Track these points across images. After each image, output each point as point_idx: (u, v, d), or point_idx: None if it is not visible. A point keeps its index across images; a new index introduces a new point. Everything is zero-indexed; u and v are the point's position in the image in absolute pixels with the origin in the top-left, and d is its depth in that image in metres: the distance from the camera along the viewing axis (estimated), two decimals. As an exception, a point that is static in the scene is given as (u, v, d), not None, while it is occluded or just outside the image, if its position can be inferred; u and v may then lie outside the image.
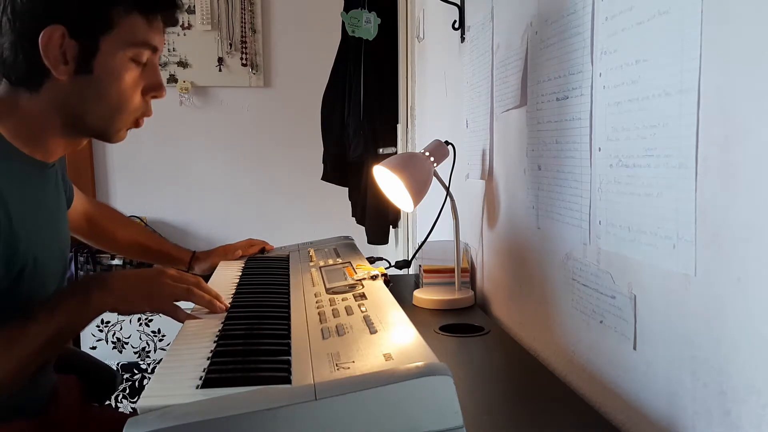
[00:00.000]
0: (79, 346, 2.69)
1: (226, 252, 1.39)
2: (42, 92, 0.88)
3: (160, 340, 2.76)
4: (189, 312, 0.91)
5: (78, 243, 1.46)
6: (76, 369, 1.09)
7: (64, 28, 0.84)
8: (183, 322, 0.88)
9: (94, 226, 1.31)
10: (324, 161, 2.72)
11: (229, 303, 0.97)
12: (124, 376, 2.69)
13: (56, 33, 0.84)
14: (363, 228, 2.58)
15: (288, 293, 1.02)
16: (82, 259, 2.83)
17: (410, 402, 0.58)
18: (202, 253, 1.41)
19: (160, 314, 0.93)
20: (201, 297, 0.92)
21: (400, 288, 1.47)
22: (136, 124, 0.96)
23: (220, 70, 3.13)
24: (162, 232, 3.13)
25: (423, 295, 1.34)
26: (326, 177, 2.72)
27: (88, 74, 0.87)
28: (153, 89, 0.94)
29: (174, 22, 0.97)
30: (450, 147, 1.34)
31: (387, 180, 1.32)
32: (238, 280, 1.14)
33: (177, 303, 0.92)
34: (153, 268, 0.98)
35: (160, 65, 2.98)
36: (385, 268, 1.33)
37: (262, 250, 1.43)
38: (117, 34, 0.88)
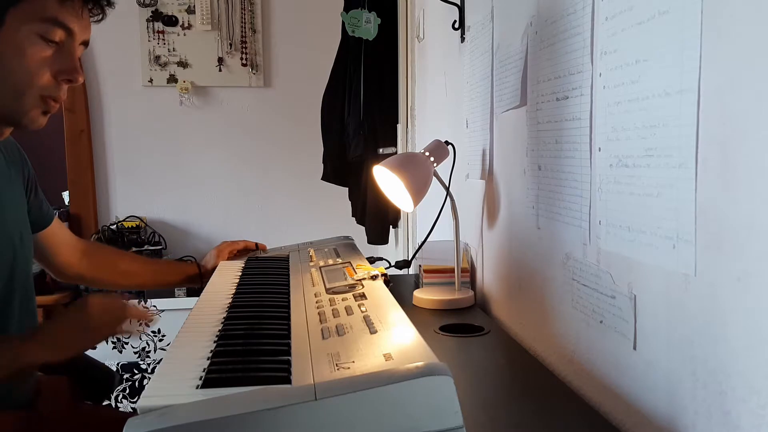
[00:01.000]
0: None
1: (230, 247, 1.39)
2: None
3: (160, 340, 2.75)
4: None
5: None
6: (71, 368, 1.08)
7: None
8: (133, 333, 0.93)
9: (93, 260, 1.28)
10: (324, 161, 2.72)
11: (229, 303, 0.97)
12: (124, 376, 2.69)
13: None
14: (363, 228, 2.58)
15: (288, 293, 1.02)
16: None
17: (410, 402, 0.58)
18: (206, 258, 1.39)
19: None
20: (129, 327, 0.96)
21: (400, 288, 1.47)
22: (46, 106, 0.93)
23: (220, 70, 3.13)
24: (162, 232, 3.13)
25: (423, 295, 1.34)
26: (326, 177, 2.72)
27: None
28: (66, 73, 0.91)
29: (96, 11, 0.95)
30: (450, 147, 1.34)
31: (387, 180, 1.32)
32: (238, 280, 1.14)
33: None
34: (75, 303, 0.97)
35: (161, 65, 3.05)
36: (385, 268, 1.33)
37: (256, 247, 1.43)
38: (24, 8, 0.87)
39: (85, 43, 0.95)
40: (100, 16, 0.97)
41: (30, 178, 1.11)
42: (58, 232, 1.20)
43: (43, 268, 1.24)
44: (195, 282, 1.37)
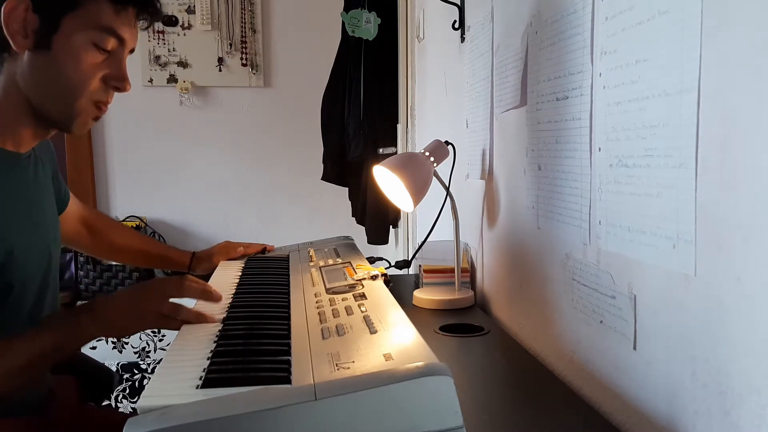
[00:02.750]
0: (79, 346, 2.69)
1: (227, 250, 1.38)
2: (2, 73, 0.89)
3: (160, 340, 2.75)
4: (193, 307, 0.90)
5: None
6: (73, 369, 1.09)
7: (29, 1, 0.86)
8: (178, 329, 0.87)
9: (91, 232, 1.30)
10: (324, 161, 2.72)
11: (229, 303, 0.97)
12: (124, 376, 2.69)
13: (21, 5, 0.85)
14: (363, 228, 2.58)
15: (288, 293, 1.02)
16: (82, 259, 2.83)
17: (410, 402, 0.58)
18: (203, 252, 1.40)
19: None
20: (188, 312, 0.89)
21: (400, 288, 1.47)
22: (98, 111, 0.95)
23: (220, 70, 3.13)
24: (162, 232, 3.13)
25: (423, 295, 1.34)
26: (326, 177, 2.72)
27: (46, 50, 0.88)
28: (115, 80, 0.94)
29: (148, 20, 0.97)
30: (450, 147, 1.34)
31: (387, 180, 1.32)
32: (238, 280, 1.14)
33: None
34: (139, 284, 0.97)
35: (161, 65, 3.05)
36: (385, 268, 1.33)
37: (264, 250, 1.43)
38: (80, 15, 0.88)
39: (132, 51, 0.98)
40: (147, 25, 0.99)
41: (54, 166, 1.13)
42: (69, 207, 1.22)
43: None
44: (183, 269, 1.40)
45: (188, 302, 0.92)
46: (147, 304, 0.90)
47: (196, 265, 1.38)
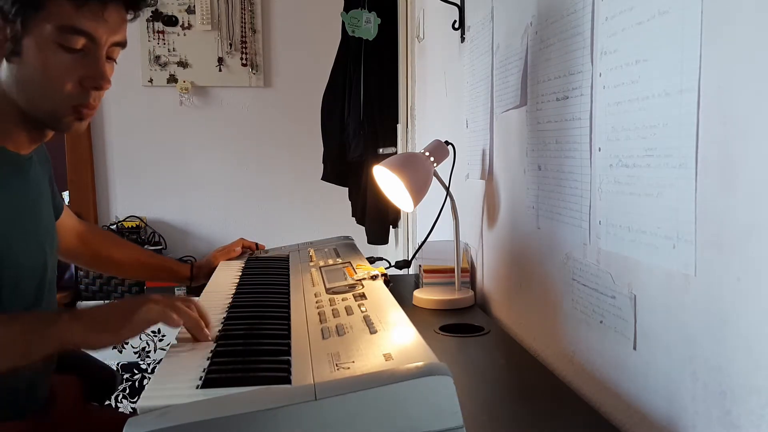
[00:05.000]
0: (79, 346, 2.69)
1: (225, 251, 1.39)
2: None
3: (160, 340, 2.75)
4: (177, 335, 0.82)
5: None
6: (75, 369, 1.09)
7: (2, 8, 0.84)
8: (177, 326, 0.79)
9: (89, 246, 1.29)
10: (324, 161, 2.72)
11: (229, 303, 0.96)
12: (124, 376, 2.69)
13: None
14: (363, 228, 2.58)
15: (288, 293, 1.02)
16: (82, 259, 2.83)
17: (410, 402, 0.58)
18: (202, 260, 1.40)
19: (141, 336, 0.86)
20: (177, 320, 0.79)
21: (400, 288, 1.47)
22: (78, 114, 0.91)
23: (220, 70, 3.13)
24: (162, 232, 3.13)
25: (423, 295, 1.34)
26: (326, 177, 2.72)
27: (18, 56, 0.86)
28: (91, 79, 0.89)
29: (127, 9, 0.91)
30: (450, 147, 1.34)
31: (387, 180, 1.32)
32: (238, 280, 1.14)
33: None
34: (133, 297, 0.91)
35: (161, 65, 3.05)
36: (385, 268, 1.33)
37: (256, 246, 1.44)
38: (43, 17, 0.85)
39: (120, 44, 0.93)
40: (132, 15, 0.94)
41: (49, 173, 1.12)
42: (64, 219, 1.21)
43: None
44: (185, 283, 1.38)
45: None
46: (143, 301, 0.82)
47: (198, 273, 1.37)
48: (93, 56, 0.89)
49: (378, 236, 2.51)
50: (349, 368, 0.65)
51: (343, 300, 0.93)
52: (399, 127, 2.43)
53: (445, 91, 1.75)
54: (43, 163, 1.07)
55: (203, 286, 1.13)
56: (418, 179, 1.26)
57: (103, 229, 1.41)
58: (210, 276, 1.29)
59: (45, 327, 0.81)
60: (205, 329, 0.80)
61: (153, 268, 1.38)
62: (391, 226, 2.57)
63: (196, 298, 0.88)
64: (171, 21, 3.09)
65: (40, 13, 0.85)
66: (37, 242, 0.98)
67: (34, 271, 0.96)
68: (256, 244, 1.45)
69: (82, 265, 1.34)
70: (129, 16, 0.94)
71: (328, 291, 0.99)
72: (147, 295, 0.84)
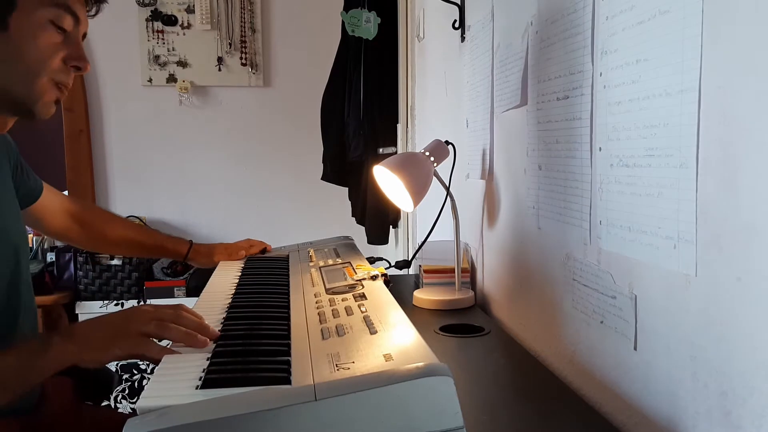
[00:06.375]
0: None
1: (228, 252, 1.38)
2: None
3: (160, 341, 2.75)
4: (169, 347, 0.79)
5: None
6: (68, 370, 1.08)
7: None
8: (159, 360, 0.74)
9: (82, 226, 1.29)
10: (324, 161, 2.72)
11: (229, 303, 0.96)
12: (124, 377, 2.69)
13: None
14: (363, 228, 2.57)
15: (288, 293, 1.02)
16: (81, 259, 2.82)
17: (410, 402, 0.58)
18: (202, 246, 1.39)
19: (138, 359, 0.79)
20: (177, 330, 0.78)
21: (400, 288, 1.47)
22: (59, 92, 0.93)
23: (219, 70, 3.13)
24: (162, 231, 3.13)
25: (423, 296, 1.34)
26: (326, 177, 2.72)
27: (3, 31, 0.86)
28: (75, 60, 0.92)
29: (91, 5, 0.95)
30: (450, 147, 1.34)
31: (387, 180, 1.32)
32: (237, 280, 1.14)
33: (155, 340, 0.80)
34: (123, 309, 0.88)
35: (160, 65, 3.06)
36: (385, 268, 1.33)
37: (263, 251, 1.42)
38: None
39: (84, 35, 0.96)
40: (95, 10, 0.98)
41: (14, 160, 1.10)
42: (49, 200, 1.20)
43: (43, 269, 1.24)
44: (179, 260, 1.39)
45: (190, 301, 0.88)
46: (130, 323, 0.80)
47: (194, 256, 1.37)
48: (75, 39, 0.93)
49: (378, 236, 2.50)
50: (349, 369, 0.65)
51: (343, 300, 0.93)
52: (399, 126, 2.43)
53: (445, 91, 1.75)
54: (9, 150, 1.06)
55: (203, 285, 1.13)
56: (418, 179, 1.26)
57: (98, 207, 1.40)
58: (206, 266, 1.28)
59: (37, 358, 0.80)
60: (198, 336, 0.77)
61: (147, 247, 1.38)
62: (391, 226, 2.57)
63: (184, 305, 0.85)
64: (170, 20, 3.09)
65: None
66: (4, 241, 0.96)
67: (5, 261, 0.95)
68: (264, 248, 1.42)
69: (76, 244, 1.34)
70: (91, 12, 0.97)
71: (328, 291, 0.99)
72: (134, 308, 0.83)
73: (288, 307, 0.93)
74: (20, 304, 0.99)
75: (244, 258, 1.37)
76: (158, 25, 3.07)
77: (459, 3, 1.54)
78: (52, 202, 1.22)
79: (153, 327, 0.79)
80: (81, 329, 0.83)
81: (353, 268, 1.13)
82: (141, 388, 2.66)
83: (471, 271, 1.47)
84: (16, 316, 0.98)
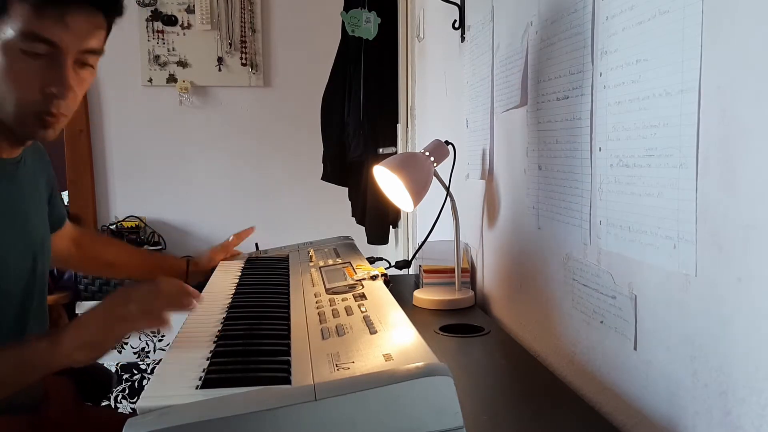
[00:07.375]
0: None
1: (223, 248, 1.38)
2: None
3: (160, 341, 2.75)
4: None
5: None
6: (68, 370, 1.08)
7: None
8: (149, 326, 0.80)
9: (84, 251, 1.29)
10: (324, 161, 2.72)
11: (229, 303, 0.96)
12: (124, 377, 2.69)
13: None
14: (363, 228, 2.57)
15: (288, 293, 1.02)
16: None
17: (410, 402, 0.58)
18: (199, 258, 1.39)
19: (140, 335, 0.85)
20: (160, 305, 0.80)
21: (400, 288, 1.47)
22: (42, 123, 0.89)
23: (219, 70, 3.13)
24: (162, 232, 3.13)
25: (423, 296, 1.34)
26: (326, 177, 2.72)
27: None
28: (53, 86, 0.86)
29: (89, 17, 0.88)
30: (450, 147, 1.34)
31: (387, 180, 1.32)
32: (237, 280, 1.14)
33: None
34: (102, 301, 0.85)
35: (160, 65, 3.05)
36: (385, 268, 1.33)
37: (256, 247, 1.43)
38: (6, 22, 0.83)
39: (90, 51, 0.90)
40: (106, 22, 0.92)
41: (51, 181, 1.12)
42: (63, 229, 1.21)
43: None
44: (181, 279, 1.37)
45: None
46: (115, 308, 0.82)
47: (194, 270, 1.36)
48: (57, 63, 0.86)
49: (378, 236, 2.50)
50: (348, 368, 0.65)
51: (343, 300, 0.93)
52: (399, 126, 2.43)
53: (445, 91, 1.75)
54: (40, 167, 1.07)
55: (203, 285, 1.13)
56: (418, 179, 1.26)
57: (96, 232, 1.41)
58: (207, 274, 1.28)
59: (29, 360, 0.80)
60: (184, 299, 0.81)
61: (147, 268, 1.37)
62: (391, 226, 2.57)
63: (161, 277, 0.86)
64: (170, 20, 3.09)
65: (3, 18, 0.83)
66: (25, 244, 0.97)
67: (21, 272, 0.96)
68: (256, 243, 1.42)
69: (76, 268, 1.35)
70: (103, 22, 0.91)
71: (328, 291, 0.99)
72: (120, 296, 0.83)
73: (288, 307, 0.93)
74: (31, 315, 1.00)
75: (241, 257, 1.38)
76: (158, 25, 3.07)
77: (459, 3, 1.54)
78: (65, 230, 1.23)
79: (134, 309, 0.80)
80: (69, 331, 0.82)
81: (353, 268, 1.13)
82: (141, 388, 2.66)
83: (471, 271, 1.47)
84: (27, 317, 0.99)
